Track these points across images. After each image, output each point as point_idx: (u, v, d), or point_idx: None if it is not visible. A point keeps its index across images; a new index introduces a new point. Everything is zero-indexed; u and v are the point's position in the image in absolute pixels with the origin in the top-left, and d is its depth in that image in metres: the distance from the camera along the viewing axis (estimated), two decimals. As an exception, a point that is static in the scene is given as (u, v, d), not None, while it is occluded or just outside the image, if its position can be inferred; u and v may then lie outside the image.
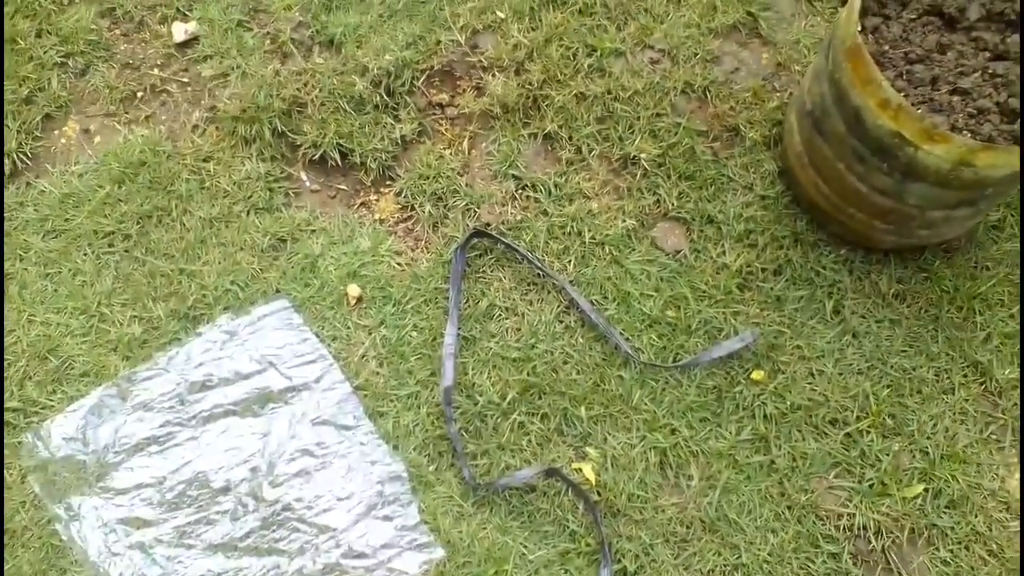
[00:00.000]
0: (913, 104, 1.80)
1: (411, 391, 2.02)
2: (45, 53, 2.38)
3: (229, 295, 2.13)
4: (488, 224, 2.19)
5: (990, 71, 1.85)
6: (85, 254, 2.17)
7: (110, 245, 2.19)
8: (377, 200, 2.30)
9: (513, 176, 2.25)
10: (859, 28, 1.75)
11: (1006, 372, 2.00)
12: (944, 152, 1.68)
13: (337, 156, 2.29)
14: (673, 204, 2.19)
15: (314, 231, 2.23)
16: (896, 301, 2.10)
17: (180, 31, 2.44)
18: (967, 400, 1.99)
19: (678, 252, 2.16)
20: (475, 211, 2.22)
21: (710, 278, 2.12)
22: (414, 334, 2.09)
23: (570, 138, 2.27)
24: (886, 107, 1.70)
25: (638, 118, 2.27)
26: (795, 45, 2.36)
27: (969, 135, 1.76)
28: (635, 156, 2.23)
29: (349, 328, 2.10)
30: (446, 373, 1.98)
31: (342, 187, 2.32)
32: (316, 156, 2.30)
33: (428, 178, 2.26)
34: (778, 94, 2.30)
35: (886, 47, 1.87)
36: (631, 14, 2.39)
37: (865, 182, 1.88)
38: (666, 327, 2.07)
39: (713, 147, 2.26)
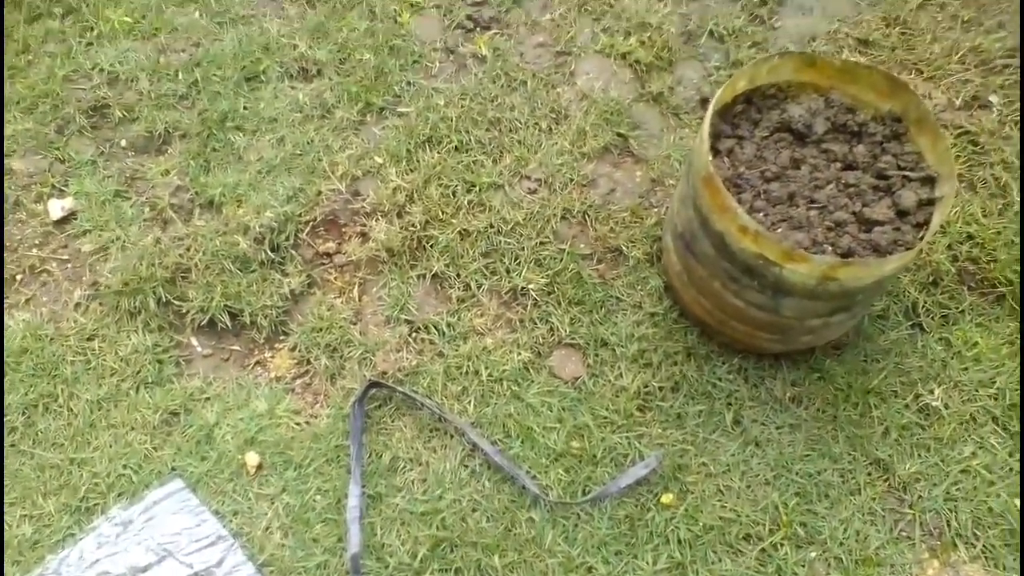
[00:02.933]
0: (773, 223, 1.85)
1: (319, 561, 1.95)
2: (-86, 248, 2.32)
3: (122, 480, 2.06)
4: (384, 373, 2.16)
5: (843, 181, 1.91)
6: (-32, 454, 2.08)
7: (-6, 441, 2.11)
8: (272, 357, 2.26)
9: (405, 320, 2.24)
10: (711, 157, 1.80)
11: (907, 466, 2.03)
12: (807, 270, 1.72)
13: (226, 318, 2.26)
14: (566, 331, 2.20)
15: (208, 399, 2.18)
16: (793, 404, 2.12)
17: (57, 208, 2.41)
18: (873, 499, 2.00)
19: (576, 379, 2.16)
20: (371, 359, 2.20)
21: (610, 403, 2.12)
22: (318, 498, 2.03)
23: (458, 275, 2.27)
24: (745, 232, 1.75)
25: (522, 249, 2.29)
26: (666, 160, 2.42)
27: (830, 248, 1.81)
28: (523, 287, 2.24)
29: (250, 499, 2.03)
30: (352, 539, 1.93)
31: (235, 348, 2.28)
32: (204, 321, 2.26)
33: (321, 330, 2.24)
34: (655, 210, 2.35)
35: (742, 168, 1.93)
36: (505, 147, 2.43)
37: (741, 298, 1.91)
38: (572, 460, 2.05)
39: (599, 269, 2.29)
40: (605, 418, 2.10)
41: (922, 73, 2.58)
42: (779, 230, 1.84)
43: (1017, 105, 2.52)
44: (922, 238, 1.80)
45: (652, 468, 2.00)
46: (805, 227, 1.84)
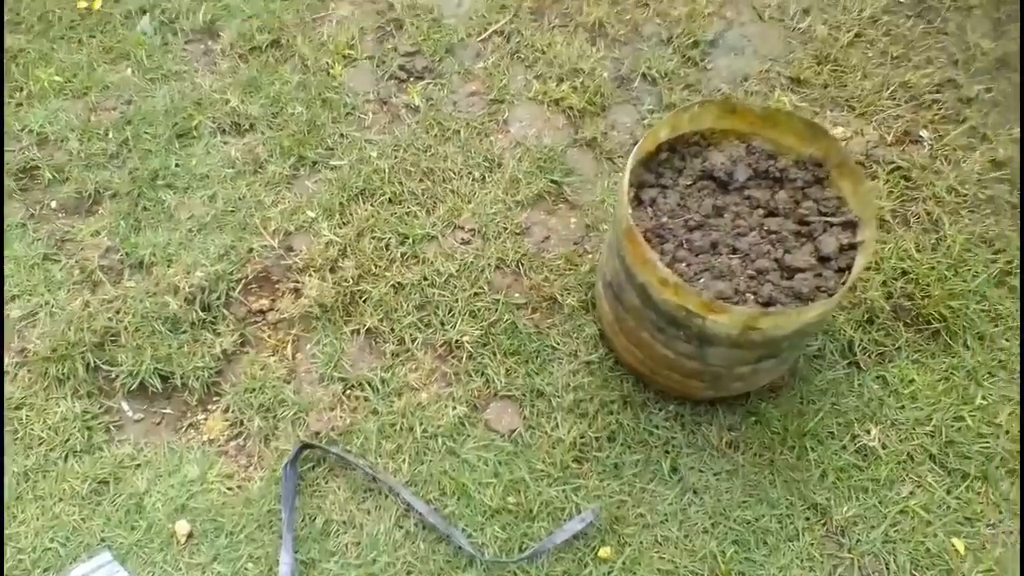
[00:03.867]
0: (695, 273, 1.84)
1: (250, 632, 1.91)
2: None
3: (49, 555, 2.00)
4: (318, 433, 2.13)
5: (766, 228, 1.91)
6: None
7: (-83, 519, 2.05)
8: (205, 420, 2.22)
9: (339, 378, 2.21)
10: (631, 209, 1.79)
11: (844, 510, 2.01)
12: (728, 321, 1.71)
13: (157, 381, 2.22)
14: (502, 383, 2.18)
15: (139, 465, 2.13)
16: (730, 450, 2.10)
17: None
18: (812, 544, 1.98)
19: (513, 431, 2.14)
20: (304, 419, 2.16)
21: (546, 455, 2.09)
22: (250, 566, 1.98)
23: (392, 330, 2.25)
24: (666, 284, 1.73)
25: (456, 300, 2.27)
26: (601, 205, 2.42)
27: (751, 297, 1.80)
28: (458, 340, 2.22)
29: (181, 570, 1.98)
30: (282, 609, 1.88)
31: (167, 411, 2.24)
32: (135, 385, 2.22)
33: (254, 390, 2.20)
34: (590, 256, 2.34)
35: (665, 218, 1.93)
36: (439, 197, 2.42)
37: (670, 348, 1.90)
38: (508, 516, 2.02)
39: (534, 318, 2.27)
40: (542, 471, 2.07)
41: (854, 109, 2.60)
42: (701, 280, 1.83)
43: (947, 140, 2.54)
44: (844, 283, 1.79)
45: (589, 522, 1.98)
46: (727, 276, 1.83)
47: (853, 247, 1.86)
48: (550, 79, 2.64)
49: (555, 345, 2.23)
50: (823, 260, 1.86)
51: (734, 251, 1.88)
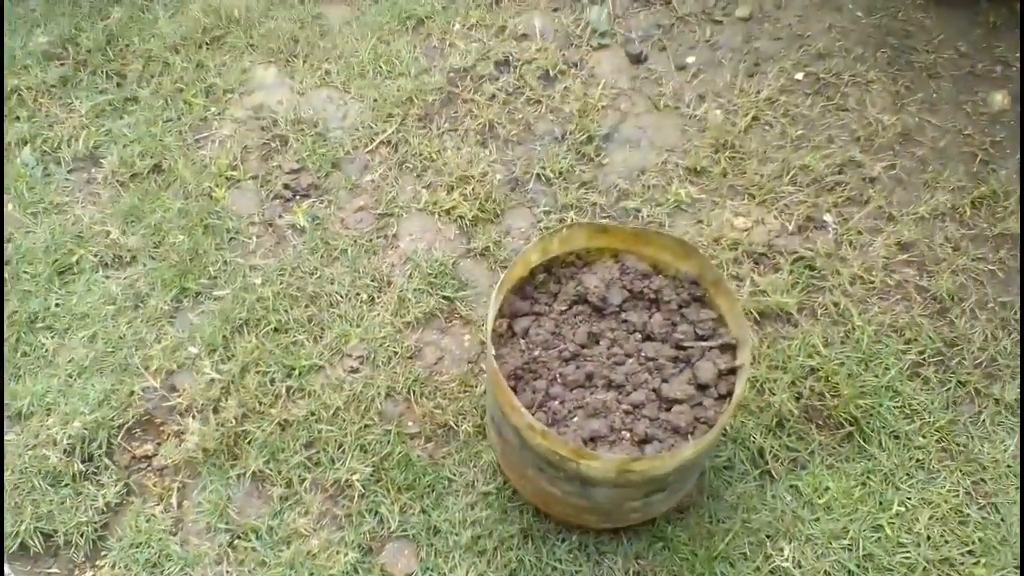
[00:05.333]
0: (569, 411, 1.75)
1: None
2: None
3: None
4: (203, 592, 2.01)
5: (643, 354, 1.82)
6: None
7: None
8: (93, 577, 2.10)
9: (225, 528, 2.09)
10: (495, 350, 1.70)
11: (756, 644, 1.90)
12: (601, 466, 1.61)
13: (39, 540, 2.11)
14: (396, 522, 2.07)
15: (18, 639, 2.00)
16: (637, 582, 1.99)
17: None
18: None
19: (408, 576, 2.02)
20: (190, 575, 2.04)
21: (443, 601, 1.97)
22: None
23: (280, 472, 2.14)
24: (534, 430, 1.64)
25: (346, 435, 2.17)
26: (495, 319, 2.32)
27: (627, 435, 1.71)
28: (348, 479, 2.11)
29: None
30: None
31: (53, 571, 2.12)
32: (16, 546, 2.10)
33: (139, 545, 2.09)
34: (485, 375, 2.24)
35: (538, 351, 1.83)
36: (326, 324, 2.33)
37: (555, 487, 1.80)
38: (402, 673, 1.89)
39: (428, 449, 2.17)
40: (438, 620, 1.95)
41: (754, 197, 2.52)
42: (575, 418, 1.74)
43: (851, 223, 2.47)
44: (724, 412, 1.70)
45: (485, 676, 1.85)
46: (602, 413, 1.74)
47: (732, 371, 1.77)
48: (440, 188, 2.56)
49: (451, 476, 2.13)
50: (702, 388, 1.76)
51: (610, 383, 1.78)
